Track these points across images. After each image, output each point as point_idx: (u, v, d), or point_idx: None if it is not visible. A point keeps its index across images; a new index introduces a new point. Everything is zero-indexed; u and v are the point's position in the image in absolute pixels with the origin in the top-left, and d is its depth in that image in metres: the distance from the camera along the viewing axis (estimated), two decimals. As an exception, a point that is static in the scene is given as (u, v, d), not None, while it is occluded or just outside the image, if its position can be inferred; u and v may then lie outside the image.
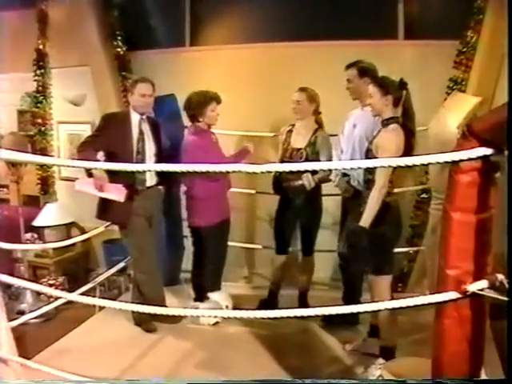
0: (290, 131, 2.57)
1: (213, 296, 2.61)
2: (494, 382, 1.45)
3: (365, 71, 2.23)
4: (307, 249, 2.63)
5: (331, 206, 2.68)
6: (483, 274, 1.35)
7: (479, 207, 1.33)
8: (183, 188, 2.65)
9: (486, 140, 1.28)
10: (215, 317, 2.43)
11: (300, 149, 2.48)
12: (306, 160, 2.44)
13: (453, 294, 1.34)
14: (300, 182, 2.41)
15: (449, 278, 1.36)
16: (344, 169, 2.24)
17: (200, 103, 2.40)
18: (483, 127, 1.30)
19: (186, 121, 3.02)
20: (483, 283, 1.32)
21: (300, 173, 2.33)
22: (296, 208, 2.53)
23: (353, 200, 2.22)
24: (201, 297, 2.61)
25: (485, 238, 1.36)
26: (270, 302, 2.68)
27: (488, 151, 1.27)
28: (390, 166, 1.79)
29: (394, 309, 1.50)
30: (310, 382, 1.52)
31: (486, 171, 1.32)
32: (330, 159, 2.45)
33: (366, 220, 1.87)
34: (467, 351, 1.38)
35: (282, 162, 2.53)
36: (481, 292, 1.32)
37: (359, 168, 2.03)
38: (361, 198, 2.02)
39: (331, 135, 2.51)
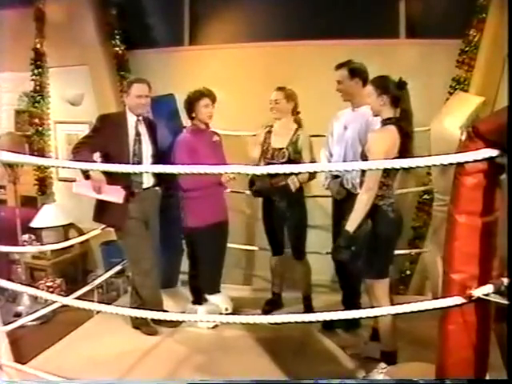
0: (269, 132, 2.55)
1: (212, 299, 2.58)
2: (495, 382, 1.43)
3: (355, 72, 2.19)
4: (297, 253, 2.58)
5: (330, 207, 2.64)
6: (489, 278, 1.33)
7: (484, 210, 1.32)
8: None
9: (492, 141, 1.25)
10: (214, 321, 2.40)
11: (282, 148, 2.46)
12: (289, 159, 2.43)
13: (457, 299, 1.32)
14: (284, 183, 2.39)
15: (453, 282, 1.34)
16: (335, 171, 2.21)
17: (191, 99, 2.41)
18: (489, 128, 1.28)
19: (185, 121, 3.02)
20: (488, 288, 1.30)
21: (285, 174, 2.30)
22: (280, 211, 2.50)
23: (346, 202, 2.18)
24: (199, 299, 2.59)
25: (490, 241, 1.34)
26: (274, 303, 2.67)
27: (494, 152, 1.25)
28: (391, 169, 1.77)
29: (397, 314, 1.47)
30: (312, 381, 1.50)
31: (492, 173, 1.30)
32: (311, 158, 2.45)
33: (351, 224, 1.81)
34: (472, 357, 1.36)
35: (262, 162, 2.51)
36: (486, 297, 1.29)
37: (353, 170, 2.00)
38: (353, 201, 1.97)
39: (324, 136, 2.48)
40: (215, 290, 2.60)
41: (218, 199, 2.51)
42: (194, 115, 2.42)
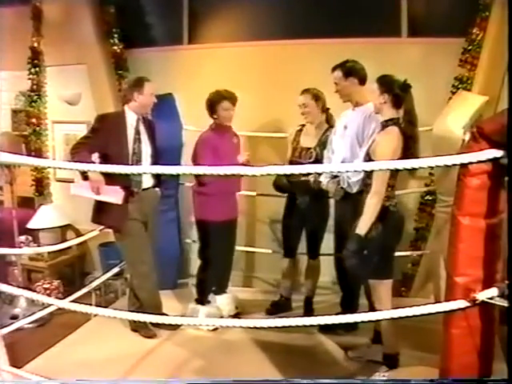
0: (300, 131, 2.55)
1: (218, 299, 2.58)
2: (495, 382, 1.41)
3: (350, 72, 2.19)
4: (313, 252, 2.59)
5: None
6: (493, 281, 1.31)
7: (489, 212, 1.30)
8: (190, 184, 2.64)
9: (497, 142, 1.23)
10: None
11: (310, 148, 2.46)
12: (316, 160, 2.42)
13: (461, 303, 1.30)
14: (306, 179, 2.34)
15: (457, 285, 1.33)
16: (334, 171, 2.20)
17: (212, 101, 2.44)
18: (494, 128, 1.25)
19: (184, 121, 2.99)
20: (493, 291, 1.28)
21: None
22: (302, 210, 2.50)
23: (345, 203, 2.19)
24: (202, 300, 2.57)
25: (494, 243, 1.33)
26: (281, 306, 2.65)
27: (498, 153, 1.22)
28: (388, 170, 1.75)
29: (400, 317, 1.44)
30: (311, 381, 1.48)
31: (496, 174, 1.28)
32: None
33: (362, 227, 1.80)
34: (476, 362, 1.34)
35: (291, 161, 2.51)
36: (490, 300, 1.27)
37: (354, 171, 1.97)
38: (354, 201, 1.98)
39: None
40: (222, 289, 2.61)
41: (233, 196, 2.53)
42: (215, 116, 2.46)
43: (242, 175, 2.39)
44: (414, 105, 1.86)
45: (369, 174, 1.86)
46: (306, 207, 2.48)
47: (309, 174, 2.32)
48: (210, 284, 2.58)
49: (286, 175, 2.44)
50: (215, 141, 2.44)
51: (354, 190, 2.09)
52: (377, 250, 1.85)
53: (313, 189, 2.37)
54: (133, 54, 3.32)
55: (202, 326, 2.44)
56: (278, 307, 2.64)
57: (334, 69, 2.23)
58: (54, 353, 2.27)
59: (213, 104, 2.43)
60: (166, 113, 2.78)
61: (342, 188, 2.19)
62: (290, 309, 2.67)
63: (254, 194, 2.98)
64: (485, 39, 2.60)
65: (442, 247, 2.15)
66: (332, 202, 2.50)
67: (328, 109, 2.50)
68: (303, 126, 2.54)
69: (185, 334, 2.43)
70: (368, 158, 1.86)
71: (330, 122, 2.49)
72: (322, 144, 2.43)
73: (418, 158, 1.83)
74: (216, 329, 2.46)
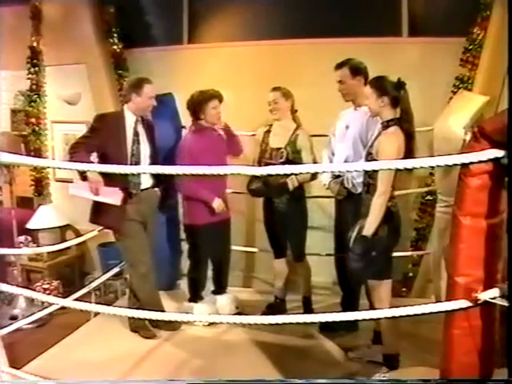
0: (268, 131, 2.53)
1: (218, 299, 2.58)
2: (495, 382, 1.40)
3: (357, 70, 2.16)
4: (297, 255, 2.56)
5: (330, 208, 2.61)
6: (494, 281, 1.30)
7: (490, 212, 1.30)
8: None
9: (498, 142, 1.23)
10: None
11: (280, 148, 2.44)
12: (287, 159, 2.40)
13: (462, 303, 1.29)
14: (282, 181, 2.35)
15: (458, 285, 1.32)
16: (336, 171, 2.19)
17: (200, 100, 2.41)
18: (495, 128, 1.25)
19: (184, 121, 2.99)
20: (494, 291, 1.27)
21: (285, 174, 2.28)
22: (280, 212, 2.48)
23: (347, 202, 2.18)
24: (194, 298, 2.58)
25: (495, 243, 1.32)
26: (276, 308, 2.63)
27: (499, 153, 1.22)
28: (391, 170, 1.74)
29: (400, 316, 1.44)
30: (311, 382, 1.48)
31: (497, 174, 1.27)
32: (312, 158, 2.41)
33: (369, 229, 1.80)
34: (477, 362, 1.34)
35: (259, 162, 2.49)
36: (492, 300, 1.26)
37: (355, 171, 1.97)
38: (357, 201, 1.97)
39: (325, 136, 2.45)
40: (222, 290, 2.61)
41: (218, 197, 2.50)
42: (202, 116, 2.42)
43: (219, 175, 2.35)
44: (409, 102, 1.85)
45: (370, 174, 1.85)
46: (284, 209, 2.45)
47: (286, 176, 2.30)
48: (200, 283, 2.58)
49: (260, 178, 2.39)
50: (195, 147, 2.40)
51: (359, 190, 2.08)
52: (380, 250, 1.84)
53: (288, 190, 2.36)
54: (132, 53, 3.32)
55: (197, 322, 2.44)
56: (274, 309, 2.61)
57: (340, 66, 2.19)
58: (54, 353, 2.26)
59: (200, 103, 2.39)
60: (166, 113, 2.78)
61: (345, 188, 2.18)
62: (284, 310, 2.64)
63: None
64: (486, 39, 2.60)
65: (442, 247, 2.15)
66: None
67: (296, 110, 2.49)
68: (270, 126, 2.52)
69: (184, 335, 2.43)
70: (370, 158, 1.86)
71: (297, 122, 2.48)
72: (292, 143, 2.42)
73: (416, 156, 1.83)
74: (211, 323, 2.44)
